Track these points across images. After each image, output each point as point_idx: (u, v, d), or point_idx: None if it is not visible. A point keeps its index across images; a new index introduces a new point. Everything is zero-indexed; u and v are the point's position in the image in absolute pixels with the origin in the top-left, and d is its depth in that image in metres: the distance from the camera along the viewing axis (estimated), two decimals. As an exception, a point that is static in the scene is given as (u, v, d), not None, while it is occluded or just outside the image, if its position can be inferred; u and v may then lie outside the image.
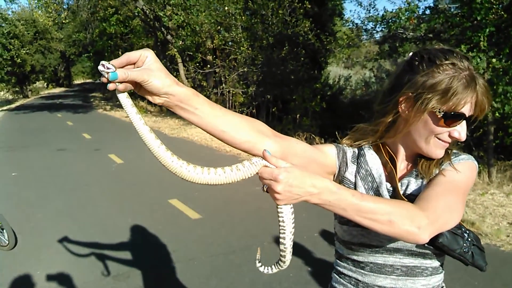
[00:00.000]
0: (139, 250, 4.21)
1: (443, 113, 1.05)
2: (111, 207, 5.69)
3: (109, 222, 5.04)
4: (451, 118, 1.06)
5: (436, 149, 1.10)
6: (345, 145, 1.23)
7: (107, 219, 5.15)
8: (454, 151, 1.14)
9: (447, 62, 1.06)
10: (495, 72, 5.93)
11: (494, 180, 5.90)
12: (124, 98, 0.90)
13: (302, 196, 0.90)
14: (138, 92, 0.94)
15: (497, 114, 5.97)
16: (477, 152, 7.25)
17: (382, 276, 1.14)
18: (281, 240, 0.97)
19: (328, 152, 1.19)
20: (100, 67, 0.87)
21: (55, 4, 16.78)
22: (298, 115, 11.10)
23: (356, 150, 1.21)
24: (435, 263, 1.14)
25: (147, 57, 0.90)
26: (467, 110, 1.05)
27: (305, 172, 0.91)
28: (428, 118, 1.07)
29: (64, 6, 17.94)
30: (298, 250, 4.02)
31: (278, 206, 0.93)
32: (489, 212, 4.87)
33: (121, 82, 0.88)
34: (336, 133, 6.73)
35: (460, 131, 1.06)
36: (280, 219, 0.95)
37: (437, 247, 1.02)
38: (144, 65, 0.90)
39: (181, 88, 0.94)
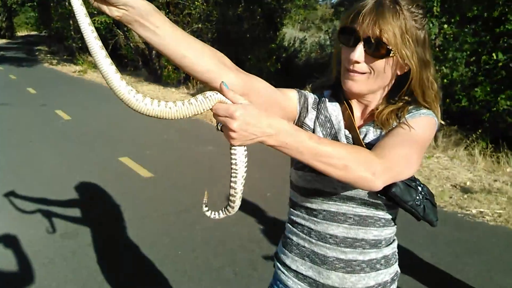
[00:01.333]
0: (88, 208, 4.11)
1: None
2: (58, 165, 5.48)
3: (56, 180, 4.86)
4: (340, 33, 1.08)
5: (344, 79, 1.10)
6: (307, 91, 1.21)
7: (54, 177, 4.96)
8: (415, 106, 1.11)
9: None
10: (445, 38, 6.08)
11: (440, 145, 6.14)
12: (78, 5, 0.82)
13: (259, 136, 0.85)
14: (92, 3, 0.85)
15: (445, 80, 6.16)
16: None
17: (335, 224, 1.13)
18: (232, 184, 0.93)
19: (290, 96, 1.16)
20: None
21: None
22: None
23: (317, 96, 1.20)
24: (388, 215, 1.15)
25: None
26: (361, 29, 1.02)
27: (262, 111, 0.87)
28: (340, 45, 1.09)
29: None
30: (251, 209, 4.06)
31: (232, 148, 0.89)
32: (434, 174, 5.10)
33: None
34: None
35: (356, 52, 1.03)
36: (233, 161, 0.90)
37: (389, 197, 1.02)
38: None
39: (141, 0, 0.86)
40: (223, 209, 1.00)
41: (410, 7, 1.03)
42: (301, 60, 12.15)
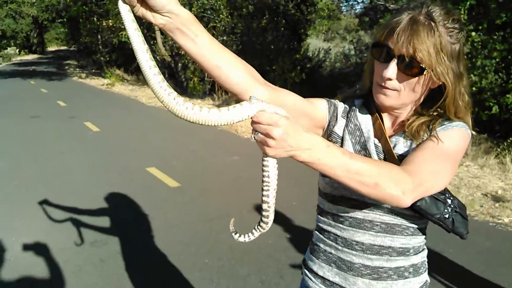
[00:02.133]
0: (117, 217, 4.17)
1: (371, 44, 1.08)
2: (87, 176, 5.60)
3: (86, 190, 4.97)
4: (374, 47, 1.07)
5: (376, 94, 1.10)
6: (337, 100, 1.21)
7: (84, 188, 5.07)
8: (448, 119, 1.09)
9: (411, 6, 1.05)
10: (474, 46, 5.98)
11: (469, 153, 6.01)
12: (125, 11, 0.85)
13: (294, 149, 0.84)
14: (137, 11, 0.88)
15: (474, 88, 6.05)
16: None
17: (361, 232, 1.13)
18: (264, 198, 0.91)
19: (319, 106, 1.17)
20: None
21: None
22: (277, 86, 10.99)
23: (347, 105, 1.20)
24: (416, 224, 1.13)
25: None
26: (395, 47, 1.02)
27: (299, 125, 0.86)
28: (373, 59, 1.10)
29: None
30: (277, 218, 4.01)
31: (264, 159, 0.88)
32: (464, 183, 4.99)
33: None
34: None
35: (389, 69, 1.03)
36: (265, 173, 0.89)
37: (414, 210, 1.01)
38: None
39: (184, 9, 0.89)
40: (256, 227, 0.97)
41: (446, 22, 1.02)
42: (325, 70, 12.14)
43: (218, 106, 10.76)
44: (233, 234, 1.00)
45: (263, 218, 0.94)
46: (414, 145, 1.08)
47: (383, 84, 1.06)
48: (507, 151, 5.65)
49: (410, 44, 0.99)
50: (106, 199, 4.62)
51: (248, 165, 5.63)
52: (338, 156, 0.87)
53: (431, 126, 1.07)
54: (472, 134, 1.12)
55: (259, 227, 0.96)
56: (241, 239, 0.99)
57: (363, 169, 0.88)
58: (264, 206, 0.92)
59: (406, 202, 0.92)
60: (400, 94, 1.06)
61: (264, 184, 0.90)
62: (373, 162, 0.94)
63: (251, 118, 0.84)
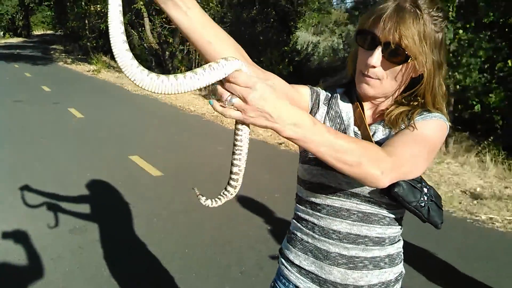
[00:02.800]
0: (97, 204, 4.14)
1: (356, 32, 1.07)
2: (69, 162, 5.53)
3: (67, 176, 4.91)
4: (359, 34, 1.07)
5: (359, 84, 1.10)
6: (319, 88, 1.21)
7: (65, 174, 5.01)
8: (426, 109, 1.10)
9: None
10: (460, 44, 6.03)
11: (451, 151, 6.10)
12: None
13: (275, 122, 0.79)
14: None
15: (457, 87, 6.11)
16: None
17: (338, 220, 1.13)
18: (234, 162, 0.85)
19: (302, 92, 1.17)
20: None
21: None
22: (264, 77, 10.97)
23: (329, 93, 1.20)
24: (392, 214, 1.14)
25: None
26: (381, 34, 1.01)
27: (285, 97, 0.83)
28: (357, 47, 1.09)
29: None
30: (259, 209, 4.07)
31: (238, 124, 0.82)
32: (444, 180, 5.06)
33: None
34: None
35: (374, 56, 1.03)
36: (238, 137, 0.83)
37: (392, 196, 1.00)
38: None
39: None
40: (223, 192, 0.90)
41: (430, 10, 1.02)
42: (313, 64, 12.15)
43: (205, 96, 10.71)
44: (200, 197, 0.92)
45: (231, 182, 0.88)
46: (392, 133, 1.08)
47: (366, 72, 1.06)
48: (487, 149, 5.73)
49: (396, 31, 0.99)
50: (87, 186, 4.57)
51: (229, 154, 5.60)
52: (324, 133, 0.84)
53: (410, 116, 1.08)
54: (452, 130, 1.12)
55: (226, 192, 0.89)
56: (208, 202, 0.92)
57: (346, 147, 0.86)
58: (234, 169, 0.86)
59: (384, 182, 0.91)
60: (382, 82, 1.06)
61: (236, 148, 0.85)
62: (356, 141, 0.93)
63: (227, 78, 0.78)
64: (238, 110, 0.78)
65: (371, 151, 0.91)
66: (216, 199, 0.91)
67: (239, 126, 0.83)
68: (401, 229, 1.19)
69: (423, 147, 1.01)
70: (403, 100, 1.12)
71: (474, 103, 6.32)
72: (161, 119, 8.20)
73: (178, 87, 0.76)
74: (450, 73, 6.01)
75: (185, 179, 4.98)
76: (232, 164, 0.87)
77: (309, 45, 12.20)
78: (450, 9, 5.91)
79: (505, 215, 4.15)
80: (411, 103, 1.11)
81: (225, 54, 0.91)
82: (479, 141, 6.12)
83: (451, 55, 6.07)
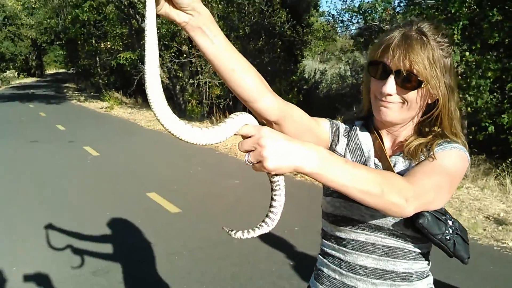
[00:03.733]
0: (118, 244, 4.16)
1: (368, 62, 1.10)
2: (88, 201, 5.59)
3: (86, 216, 4.96)
4: (371, 65, 1.10)
5: (376, 110, 1.12)
6: (338, 121, 1.25)
7: (84, 213, 5.07)
8: (448, 140, 1.11)
9: (401, 24, 1.10)
10: (468, 66, 6.05)
11: (469, 175, 6.03)
12: (152, 4, 0.84)
13: (294, 159, 0.80)
14: (160, 10, 0.88)
15: (469, 109, 6.10)
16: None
17: (364, 255, 1.13)
18: (275, 196, 0.87)
19: (322, 125, 1.20)
20: None
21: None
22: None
23: (348, 126, 1.24)
24: (418, 249, 1.13)
25: None
26: (391, 62, 1.05)
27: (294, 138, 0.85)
28: (369, 77, 1.12)
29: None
30: (280, 244, 4.05)
31: (270, 176, 0.85)
32: (465, 206, 4.98)
33: None
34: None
35: (388, 85, 1.06)
36: (273, 185, 0.86)
37: (416, 228, 1.01)
38: None
39: (206, 8, 0.91)
40: (259, 224, 0.90)
41: (436, 37, 1.06)
42: (322, 91, 12.24)
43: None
44: (230, 232, 0.92)
45: (270, 214, 0.89)
46: (413, 165, 1.09)
47: (383, 99, 1.09)
48: (506, 172, 5.66)
49: (406, 58, 1.03)
50: (107, 226, 4.61)
51: (249, 189, 5.65)
52: (342, 164, 0.85)
53: (429, 147, 1.09)
54: (470, 156, 1.14)
55: (263, 223, 0.89)
56: (239, 234, 0.90)
57: (367, 177, 0.87)
58: (274, 203, 0.88)
59: (408, 210, 0.92)
60: (402, 107, 1.09)
61: (274, 193, 0.87)
62: (376, 171, 0.95)
63: (239, 134, 0.83)
64: (258, 163, 0.81)
65: (392, 180, 0.92)
66: (249, 230, 0.91)
67: (273, 179, 0.86)
68: (428, 264, 1.18)
69: (444, 178, 1.02)
70: (421, 128, 1.14)
71: (487, 124, 6.28)
72: (175, 154, 8.28)
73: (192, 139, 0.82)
74: (461, 95, 6.03)
75: (203, 213, 5.00)
76: (272, 199, 0.88)
77: (317, 73, 12.33)
78: (455, 32, 5.95)
79: (533, 240, 4.05)
80: (430, 133, 1.12)
81: (246, 82, 0.98)
82: (497, 164, 6.05)
83: (459, 77, 6.08)
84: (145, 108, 15.27)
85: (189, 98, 13.39)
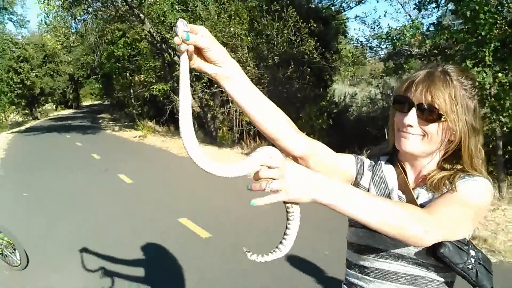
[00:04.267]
0: (151, 270, 4.22)
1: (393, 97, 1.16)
2: (121, 226, 5.71)
3: (120, 242, 5.06)
4: (395, 99, 1.16)
5: (397, 140, 1.16)
6: (363, 156, 1.30)
7: (118, 240, 5.17)
8: (470, 174, 1.13)
9: (428, 66, 1.16)
10: (501, 87, 5.95)
11: (505, 196, 5.85)
12: (186, 61, 0.95)
13: (311, 189, 0.89)
14: (193, 64, 0.99)
15: (505, 128, 5.96)
16: (487, 167, 7.22)
17: (387, 283, 1.14)
18: (289, 225, 0.95)
19: (348, 160, 1.26)
20: (180, 24, 0.91)
21: (63, 28, 17.07)
22: (305, 133, 11.08)
23: (373, 161, 1.27)
24: (441, 278, 1.13)
25: (205, 31, 0.97)
26: (414, 96, 1.10)
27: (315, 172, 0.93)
28: (394, 112, 1.18)
29: (73, 30, 18.24)
30: (309, 268, 4.02)
31: (287, 205, 0.92)
32: (501, 228, 4.82)
33: (187, 45, 0.94)
34: (343, 150, 6.75)
35: (409, 116, 1.11)
36: (289, 215, 0.94)
37: (438, 257, 1.02)
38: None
39: (233, 60, 1.02)
40: (273, 250, 0.97)
41: (459, 77, 1.11)
42: (352, 115, 12.20)
43: (247, 154, 10.89)
44: (247, 253, 0.98)
45: (283, 241, 0.96)
46: (436, 197, 1.11)
47: (404, 130, 1.13)
48: (544, 193, 5.47)
49: (428, 92, 1.09)
50: (140, 251, 4.69)
51: (278, 217, 5.62)
52: (360, 196, 0.92)
53: (451, 180, 1.11)
54: (505, 174, 1.15)
55: (276, 249, 0.97)
56: (253, 257, 0.97)
57: (386, 208, 0.92)
58: (288, 231, 0.95)
59: (429, 241, 0.95)
60: (422, 140, 1.12)
61: (288, 222, 0.95)
62: (395, 202, 0.99)
63: (264, 164, 0.91)
64: (278, 191, 0.89)
65: (412, 212, 0.96)
66: (265, 255, 0.97)
67: (289, 209, 0.93)
68: None
69: (466, 209, 1.04)
70: (443, 164, 1.17)
71: (525, 144, 6.13)
72: (207, 180, 8.34)
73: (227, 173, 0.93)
74: (494, 117, 5.90)
75: (233, 240, 5.01)
76: (286, 227, 0.95)
77: (346, 97, 12.34)
78: (487, 54, 5.89)
79: None
80: (452, 169, 1.15)
81: (273, 124, 1.09)
82: (534, 184, 5.87)
83: (493, 99, 5.98)
84: (177, 136, 15.55)
85: (220, 125, 13.59)
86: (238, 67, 1.05)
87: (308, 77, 11.32)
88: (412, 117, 1.10)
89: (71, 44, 19.84)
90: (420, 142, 1.12)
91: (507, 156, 6.58)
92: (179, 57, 0.96)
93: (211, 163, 0.92)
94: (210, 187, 7.79)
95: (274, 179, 0.89)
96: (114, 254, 4.50)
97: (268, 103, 1.09)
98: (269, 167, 0.91)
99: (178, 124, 0.94)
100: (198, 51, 0.99)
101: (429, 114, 1.09)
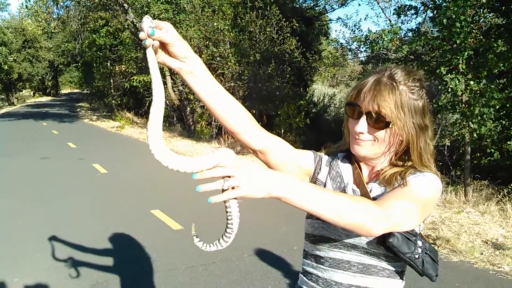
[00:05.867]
0: (119, 259, 4.23)
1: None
2: (93, 216, 5.69)
3: (90, 231, 5.04)
4: (347, 105, 1.22)
5: (351, 146, 1.23)
6: (322, 153, 1.36)
7: (88, 228, 5.15)
8: (420, 170, 1.20)
9: (377, 70, 1.22)
10: (472, 94, 6.13)
11: (470, 199, 6.04)
12: (153, 56, 1.01)
13: (266, 185, 0.94)
14: (158, 58, 1.05)
15: (474, 135, 6.15)
16: (455, 171, 7.44)
17: (340, 272, 1.21)
18: (228, 225, 1.01)
19: (306, 156, 1.32)
20: (146, 20, 0.97)
21: (45, 14, 16.76)
22: (282, 131, 11.25)
23: (331, 157, 1.34)
24: (392, 267, 1.20)
25: (170, 27, 1.03)
26: (363, 105, 1.16)
27: (267, 168, 0.99)
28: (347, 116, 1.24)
29: (54, 16, 17.92)
30: (277, 262, 4.09)
31: (226, 205, 0.98)
32: (464, 230, 4.99)
33: (153, 40, 1.00)
34: (319, 149, 6.86)
35: (360, 124, 1.17)
36: (228, 210, 0.99)
37: (387, 247, 1.09)
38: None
39: (197, 56, 1.09)
40: (215, 243, 1.05)
41: (406, 82, 1.17)
42: (330, 115, 12.35)
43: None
44: (195, 237, 1.09)
45: (224, 237, 1.02)
46: (388, 190, 1.19)
47: (357, 137, 1.20)
48: (508, 197, 5.66)
49: (374, 102, 1.15)
50: (109, 241, 4.69)
51: (252, 208, 5.70)
52: (311, 189, 0.98)
53: (403, 175, 1.19)
54: (471, 179, 1.23)
55: (222, 239, 1.03)
56: (198, 244, 1.08)
57: (336, 200, 0.98)
58: (228, 230, 1.02)
59: (376, 230, 1.01)
60: (373, 144, 1.20)
61: (228, 215, 1.01)
62: (347, 195, 1.05)
63: (220, 164, 0.96)
64: (234, 188, 0.94)
65: (362, 203, 1.02)
66: (211, 244, 1.06)
67: (228, 209, 0.99)
68: (402, 282, 1.24)
69: (414, 202, 1.11)
70: (396, 161, 1.24)
71: (493, 150, 6.32)
72: (182, 173, 8.35)
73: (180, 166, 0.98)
74: (464, 122, 6.08)
75: (204, 232, 5.03)
76: (228, 222, 1.01)
77: (325, 97, 12.48)
78: (460, 62, 6.06)
79: (529, 265, 4.06)
80: (403, 165, 1.22)
81: (234, 118, 1.16)
82: (499, 189, 6.06)
83: (463, 105, 6.16)
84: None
85: (199, 120, 13.58)
86: (201, 62, 1.11)
87: (288, 76, 11.42)
88: (362, 124, 1.17)
89: (52, 30, 19.49)
90: (371, 146, 1.20)
91: (475, 162, 6.79)
92: (140, 50, 1.01)
93: (169, 156, 0.97)
94: (184, 180, 7.80)
95: (229, 177, 0.94)
96: (84, 243, 4.49)
97: (229, 99, 1.16)
98: (224, 167, 0.95)
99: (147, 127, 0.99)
100: (163, 46, 1.05)
101: (377, 122, 1.15)
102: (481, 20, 7.36)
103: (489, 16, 7.57)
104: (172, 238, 4.88)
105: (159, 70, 1.00)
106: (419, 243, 1.12)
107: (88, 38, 21.38)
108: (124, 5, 13.98)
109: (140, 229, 5.08)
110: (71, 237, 4.71)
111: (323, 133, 10.99)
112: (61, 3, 16.97)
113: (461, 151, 6.73)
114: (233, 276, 3.86)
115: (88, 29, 20.72)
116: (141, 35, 0.98)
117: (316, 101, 12.50)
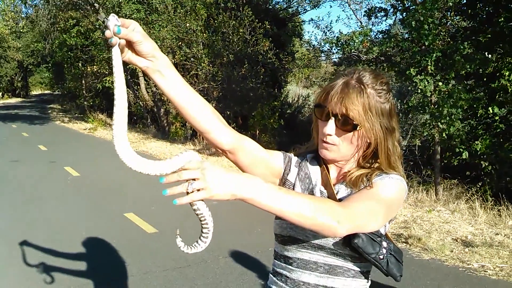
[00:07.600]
0: (93, 263, 4.18)
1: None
2: (65, 221, 5.58)
3: (63, 235, 4.95)
4: (316, 107, 1.24)
5: (320, 149, 1.25)
6: (292, 153, 1.37)
7: (61, 232, 5.06)
8: (386, 172, 1.23)
9: (346, 72, 1.24)
10: (441, 95, 6.30)
11: (441, 198, 6.20)
12: (118, 54, 0.99)
13: (231, 187, 0.95)
14: (124, 56, 1.05)
15: (443, 135, 6.31)
16: (426, 171, 7.62)
17: (307, 272, 1.23)
18: (203, 225, 1.03)
19: (276, 157, 1.33)
20: (112, 18, 0.96)
21: (12, 13, 16.34)
22: (257, 132, 11.29)
23: (300, 158, 1.35)
24: (357, 267, 1.23)
25: (136, 25, 1.03)
26: (331, 107, 1.18)
27: (232, 170, 1.00)
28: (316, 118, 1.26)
29: (23, 15, 17.52)
30: (252, 264, 4.11)
31: (195, 208, 0.99)
32: (435, 228, 5.10)
33: (119, 38, 0.99)
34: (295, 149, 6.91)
35: (328, 126, 1.19)
36: (197, 212, 1.00)
37: (352, 247, 1.12)
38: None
39: (164, 55, 1.09)
40: (193, 245, 1.09)
41: (374, 85, 1.19)
42: (304, 116, 12.45)
43: (199, 150, 10.89)
44: (178, 237, 1.14)
45: (202, 239, 1.06)
46: (354, 192, 1.21)
47: (324, 139, 1.22)
48: (475, 196, 5.84)
49: (342, 105, 1.17)
50: (82, 245, 4.61)
51: (226, 210, 5.70)
52: (275, 191, 0.99)
53: (369, 177, 1.22)
54: (441, 178, 1.26)
55: (199, 241, 1.06)
56: (180, 244, 1.14)
57: (300, 202, 1.00)
58: (205, 230, 1.04)
59: (341, 231, 1.03)
60: (339, 147, 1.22)
61: (199, 216, 1.02)
62: (309, 196, 1.08)
63: (183, 167, 0.97)
64: (199, 191, 0.95)
65: (326, 205, 1.04)
66: (191, 246, 1.09)
67: (197, 211, 1.00)
68: (368, 282, 1.27)
69: (379, 204, 1.14)
70: (363, 163, 1.27)
71: (461, 150, 6.50)
72: (156, 177, 8.30)
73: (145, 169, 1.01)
74: (433, 123, 6.24)
75: (181, 234, 5.01)
76: (202, 227, 1.03)
77: (300, 98, 12.59)
78: (429, 63, 6.22)
79: (497, 262, 4.16)
80: (370, 167, 1.25)
81: (202, 117, 1.17)
82: (468, 188, 6.24)
83: (432, 106, 6.31)
84: (128, 130, 15.26)
85: (173, 121, 13.47)
86: (168, 62, 1.11)
87: (262, 76, 11.46)
88: (331, 126, 1.19)
89: (21, 30, 19.02)
90: (339, 149, 1.22)
91: (445, 161, 6.97)
92: (110, 50, 1.01)
93: (134, 158, 0.98)
94: (158, 183, 7.74)
95: (194, 180, 0.95)
96: (57, 248, 4.41)
97: (197, 98, 1.16)
98: (188, 170, 0.97)
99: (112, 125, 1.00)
100: (130, 45, 1.04)
101: (345, 125, 1.18)
102: (449, 22, 7.57)
103: (456, 19, 7.79)
104: (146, 242, 4.84)
105: (123, 70, 1.00)
106: (384, 244, 1.15)
107: (59, 38, 20.91)
108: (95, 4, 13.77)
109: (114, 233, 5.02)
110: (42, 242, 4.61)
111: (298, 134, 11.07)
112: (30, 2, 16.60)
113: (431, 151, 6.90)
114: (208, 279, 3.86)
115: (58, 29, 20.27)
116: (107, 33, 0.97)
117: (290, 102, 12.59)
